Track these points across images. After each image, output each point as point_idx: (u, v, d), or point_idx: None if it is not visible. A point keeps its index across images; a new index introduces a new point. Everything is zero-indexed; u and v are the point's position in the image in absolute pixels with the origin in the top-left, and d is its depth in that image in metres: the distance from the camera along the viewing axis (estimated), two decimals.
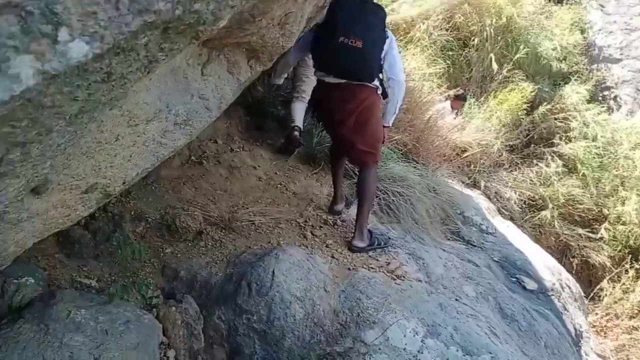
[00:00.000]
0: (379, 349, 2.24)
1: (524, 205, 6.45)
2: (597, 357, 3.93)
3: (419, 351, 2.28)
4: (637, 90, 8.65)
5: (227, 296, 2.43)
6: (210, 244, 2.80)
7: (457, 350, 2.31)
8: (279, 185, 3.59)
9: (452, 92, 6.94)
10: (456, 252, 3.71)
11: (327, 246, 2.94)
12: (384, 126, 3.11)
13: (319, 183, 3.79)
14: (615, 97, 8.72)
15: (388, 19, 3.11)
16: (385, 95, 2.97)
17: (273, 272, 2.43)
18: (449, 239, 4.03)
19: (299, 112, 4.04)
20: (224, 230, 2.90)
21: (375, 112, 2.99)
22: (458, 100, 6.93)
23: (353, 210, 3.44)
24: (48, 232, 1.71)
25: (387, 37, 2.82)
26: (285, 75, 3.55)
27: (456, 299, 2.80)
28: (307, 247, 2.88)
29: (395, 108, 3.08)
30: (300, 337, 2.30)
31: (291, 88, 4.32)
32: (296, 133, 3.94)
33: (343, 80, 2.82)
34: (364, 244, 3.01)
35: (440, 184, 4.66)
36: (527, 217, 6.19)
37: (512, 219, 5.99)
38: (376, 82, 2.87)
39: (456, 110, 6.93)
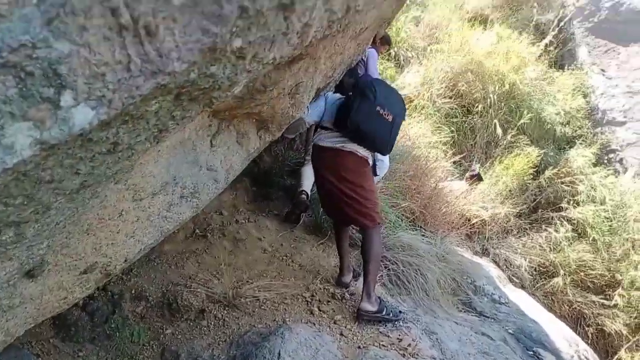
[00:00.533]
0: None
1: (534, 272, 6.29)
2: None
3: None
4: None
5: None
6: (212, 323, 2.68)
7: None
8: (284, 257, 3.51)
9: (467, 174, 6.84)
10: (470, 324, 3.56)
11: (335, 322, 2.82)
12: None
13: (326, 254, 3.71)
14: (621, 159, 8.73)
15: None
16: (375, 172, 3.19)
17: (279, 354, 2.30)
18: (461, 311, 3.88)
19: (308, 175, 4.00)
20: (227, 308, 2.79)
21: (370, 184, 3.14)
22: (473, 178, 6.80)
23: (361, 282, 3.35)
24: (42, 317, 1.62)
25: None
26: (299, 132, 3.63)
27: None
28: (314, 324, 2.76)
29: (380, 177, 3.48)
30: None
31: (303, 152, 4.35)
32: (303, 197, 3.90)
33: (349, 147, 2.98)
34: (373, 308, 2.94)
35: (450, 252, 4.56)
36: (539, 284, 6.02)
37: (523, 287, 5.82)
38: (370, 159, 3.10)
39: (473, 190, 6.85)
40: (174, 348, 2.48)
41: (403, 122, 3.21)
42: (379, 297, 3.08)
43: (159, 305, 2.70)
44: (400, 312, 3.11)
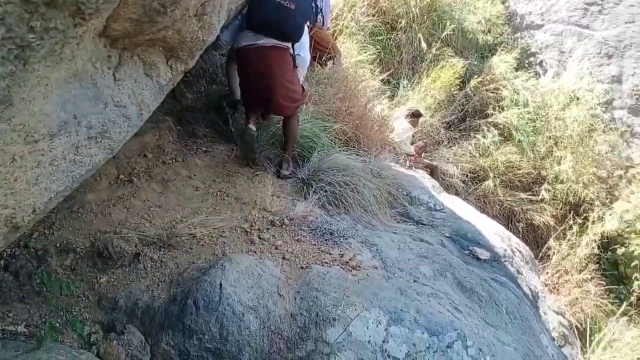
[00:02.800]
0: (343, 346, 2.14)
1: (466, 179, 6.58)
2: (554, 314, 4.02)
3: (384, 341, 2.20)
4: (560, 53, 8.99)
5: (173, 319, 2.25)
6: (149, 265, 2.59)
7: (423, 333, 2.26)
8: (218, 193, 3.41)
9: (406, 111, 6.66)
10: (408, 233, 3.68)
11: (276, 248, 2.81)
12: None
13: (262, 184, 3.64)
14: (541, 62, 9.03)
15: None
16: (295, 63, 3.69)
17: (220, 284, 2.27)
18: (399, 222, 3.99)
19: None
20: (163, 249, 2.70)
21: (293, 71, 3.70)
22: (413, 116, 6.62)
23: (300, 207, 3.34)
24: None
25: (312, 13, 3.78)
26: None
27: (414, 281, 2.75)
28: (255, 252, 2.74)
29: (301, 78, 3.92)
30: (258, 349, 2.16)
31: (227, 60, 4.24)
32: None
33: (269, 41, 3.47)
34: (289, 171, 3.83)
35: (384, 168, 4.62)
36: (471, 189, 6.31)
37: (457, 194, 6.08)
38: (291, 49, 3.61)
39: (414, 127, 6.69)
40: (111, 295, 2.38)
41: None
42: (295, 161, 4.00)
43: (88, 255, 2.57)
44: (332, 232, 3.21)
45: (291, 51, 3.64)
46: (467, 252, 3.85)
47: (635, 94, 8.36)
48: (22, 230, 1.79)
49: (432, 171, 6.28)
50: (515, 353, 2.49)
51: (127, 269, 2.55)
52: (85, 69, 1.72)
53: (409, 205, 4.32)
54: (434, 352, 2.21)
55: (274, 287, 2.36)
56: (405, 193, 4.51)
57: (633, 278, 5.15)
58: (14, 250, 2.44)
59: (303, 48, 3.74)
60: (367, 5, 7.63)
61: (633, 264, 5.61)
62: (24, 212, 1.61)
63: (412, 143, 6.45)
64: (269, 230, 3.01)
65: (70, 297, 2.32)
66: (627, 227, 6.12)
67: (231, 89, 4.18)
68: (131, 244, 2.64)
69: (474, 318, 2.60)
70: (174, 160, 3.65)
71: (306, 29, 3.79)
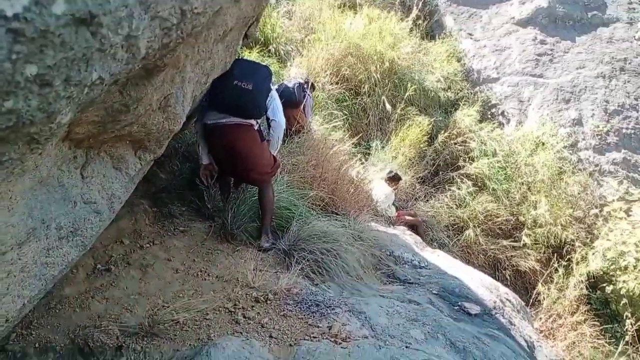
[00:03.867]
0: None
1: (448, 231, 6.61)
2: None
3: None
4: (520, 102, 9.42)
5: None
6: (132, 357, 2.48)
7: None
8: (199, 273, 3.34)
9: (386, 176, 6.77)
10: (396, 295, 3.64)
11: (262, 326, 2.73)
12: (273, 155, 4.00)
13: (243, 259, 3.59)
14: (503, 112, 9.41)
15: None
16: (262, 137, 3.87)
17: None
18: (385, 283, 3.96)
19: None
20: (146, 338, 2.59)
21: (260, 145, 3.83)
22: (394, 181, 6.75)
23: (283, 280, 3.29)
24: None
25: (271, 90, 3.87)
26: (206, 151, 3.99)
27: (406, 347, 2.68)
28: (241, 332, 2.66)
29: (278, 143, 4.05)
30: None
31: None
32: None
33: (232, 120, 3.64)
34: (269, 243, 3.85)
35: (364, 230, 4.64)
36: (454, 241, 6.33)
37: (441, 246, 6.10)
38: (255, 124, 3.77)
39: (395, 190, 6.79)
40: None
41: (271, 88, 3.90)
42: (274, 232, 4.04)
43: (69, 353, 2.44)
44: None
45: (256, 126, 3.80)
46: (457, 307, 3.80)
47: (597, 134, 8.72)
48: None
49: (417, 227, 6.33)
50: None
51: None
52: (51, 174, 1.70)
53: (394, 265, 4.31)
54: None
55: None
56: (388, 253, 4.51)
57: (624, 317, 5.13)
58: None
59: (276, 112, 3.90)
60: (330, 74, 7.94)
61: (622, 302, 5.61)
62: None
63: (395, 206, 6.53)
64: (254, 308, 2.93)
65: None
66: (612, 264, 6.17)
67: (200, 156, 4.18)
68: (112, 336, 2.54)
69: None
70: (151, 244, 3.58)
71: (276, 96, 3.99)
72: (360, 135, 7.62)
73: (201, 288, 3.16)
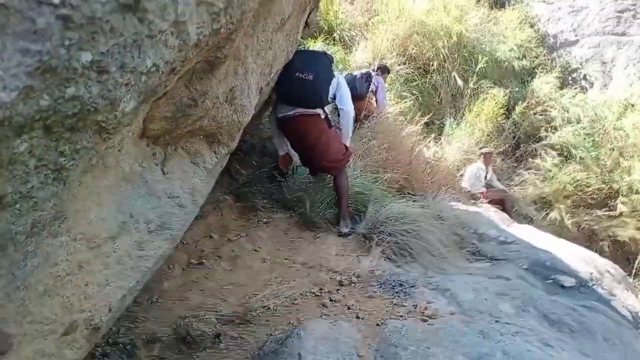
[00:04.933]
0: None
1: (535, 205, 6.33)
2: None
3: None
4: (602, 64, 8.79)
5: None
6: (231, 343, 2.64)
7: None
8: (285, 261, 3.48)
9: (479, 151, 6.74)
10: (483, 272, 3.56)
11: (349, 308, 2.79)
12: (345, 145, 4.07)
13: (325, 245, 3.69)
14: (585, 76, 8.83)
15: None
16: (330, 124, 3.97)
17: (299, 355, 2.27)
18: (471, 262, 3.88)
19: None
20: (240, 325, 2.75)
21: (328, 133, 3.93)
22: (488, 156, 6.63)
23: (365, 262, 3.35)
24: None
25: (334, 77, 3.90)
26: (284, 144, 4.23)
27: (496, 321, 2.63)
28: (329, 315, 2.74)
29: (348, 131, 4.09)
30: None
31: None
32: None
33: (299, 110, 3.76)
34: (348, 228, 3.89)
35: (445, 209, 4.57)
36: (543, 215, 6.05)
37: (529, 222, 5.86)
38: (322, 113, 3.87)
39: (491, 167, 6.70)
40: None
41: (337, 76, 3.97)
42: (352, 217, 4.06)
43: (173, 343, 2.66)
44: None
45: (322, 115, 3.90)
46: (550, 281, 3.65)
47: None
48: (103, 331, 1.86)
49: (504, 203, 6.14)
50: None
51: (209, 351, 2.61)
52: (134, 171, 1.82)
53: (478, 243, 4.20)
54: None
55: (352, 349, 2.34)
56: (472, 231, 4.41)
57: None
58: (104, 348, 2.57)
59: (344, 101, 3.94)
60: (397, 55, 7.83)
61: None
62: (100, 313, 1.68)
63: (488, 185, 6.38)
64: (339, 291, 3.01)
65: None
66: None
67: (277, 148, 4.39)
68: (210, 325, 2.72)
69: (567, 351, 2.44)
70: (238, 236, 3.78)
71: (344, 83, 4.02)
72: (433, 113, 7.46)
73: (287, 275, 3.29)
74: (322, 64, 3.81)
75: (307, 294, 3.03)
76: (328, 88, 3.83)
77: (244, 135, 3.25)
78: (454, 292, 2.96)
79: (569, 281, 3.63)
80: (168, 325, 2.80)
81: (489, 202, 5.99)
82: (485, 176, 6.39)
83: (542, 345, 2.43)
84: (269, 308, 2.88)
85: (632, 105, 7.42)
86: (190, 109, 1.86)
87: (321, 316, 2.73)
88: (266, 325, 2.76)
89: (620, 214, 6.10)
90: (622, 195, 6.27)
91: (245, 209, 4.25)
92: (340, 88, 3.95)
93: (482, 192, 6.24)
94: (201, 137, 2.27)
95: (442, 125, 7.56)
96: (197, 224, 3.66)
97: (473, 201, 5.79)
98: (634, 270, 5.26)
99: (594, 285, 3.69)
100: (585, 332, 2.76)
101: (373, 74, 6.24)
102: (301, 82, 3.62)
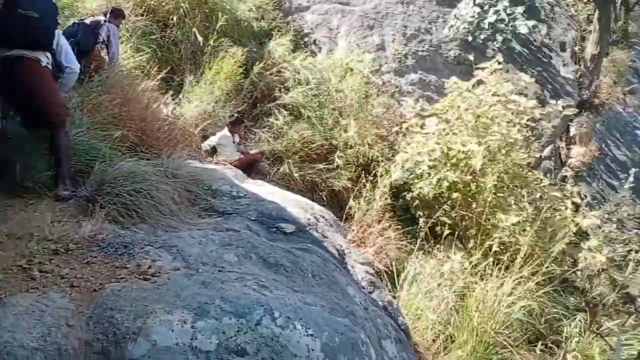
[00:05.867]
0: (149, 358, 2.06)
1: (269, 162, 6.83)
2: (361, 266, 4.43)
3: (192, 339, 2.18)
4: (329, 30, 9.77)
5: None
6: None
7: (230, 319, 2.28)
8: None
9: (227, 119, 6.85)
10: (213, 226, 3.68)
11: (62, 277, 2.55)
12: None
13: (38, 213, 3.27)
14: (315, 41, 9.69)
15: None
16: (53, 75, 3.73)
17: None
18: (203, 217, 3.97)
19: None
20: None
21: (52, 82, 3.70)
22: (236, 124, 6.79)
23: (87, 227, 3.09)
24: None
25: (59, 23, 3.76)
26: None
27: (219, 271, 2.77)
28: (37, 288, 2.46)
29: (67, 87, 4.05)
30: None
31: None
32: None
33: (19, 52, 3.43)
34: (68, 191, 3.51)
35: (180, 167, 4.53)
36: (275, 170, 6.57)
37: (262, 177, 6.29)
38: (44, 59, 3.59)
39: (238, 134, 6.83)
40: None
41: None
42: (74, 179, 3.65)
43: None
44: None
45: (44, 63, 3.61)
46: (274, 229, 4.00)
47: (397, 58, 9.57)
48: None
49: (255, 163, 6.54)
50: (322, 310, 2.68)
51: None
52: None
53: (212, 199, 4.31)
54: (244, 333, 2.25)
55: (61, 320, 2.16)
56: (206, 187, 4.48)
57: (417, 216, 5.96)
58: None
59: (70, 58, 3.90)
60: (134, 5, 7.30)
61: (415, 203, 6.49)
62: None
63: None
64: (52, 261, 2.72)
65: None
66: (410, 174, 7.03)
67: None
68: None
69: (280, 290, 2.73)
70: None
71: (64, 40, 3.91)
72: (171, 69, 7.27)
73: None
74: (47, 3, 3.59)
75: (12, 268, 2.65)
76: (54, 32, 3.64)
77: None
78: (180, 248, 2.99)
79: (290, 228, 4.04)
80: None
81: (241, 167, 6.29)
82: (234, 142, 6.66)
83: (259, 287, 2.66)
84: None
85: (351, 70, 8.50)
86: None
87: (28, 290, 2.44)
88: None
89: (337, 166, 7.06)
90: (339, 150, 7.23)
91: None
92: (60, 42, 3.83)
93: (240, 159, 6.51)
94: None
95: (181, 82, 7.43)
96: None
97: (210, 159, 5.92)
98: (344, 215, 6.16)
99: (310, 229, 4.19)
100: (298, 271, 3.13)
101: (103, 21, 5.71)
102: (26, 19, 3.36)
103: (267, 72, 7.99)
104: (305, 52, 8.90)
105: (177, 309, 2.29)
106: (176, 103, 6.52)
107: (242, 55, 7.65)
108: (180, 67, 7.61)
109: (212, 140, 6.58)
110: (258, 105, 7.71)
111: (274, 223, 4.07)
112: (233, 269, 2.82)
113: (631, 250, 9.22)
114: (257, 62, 7.89)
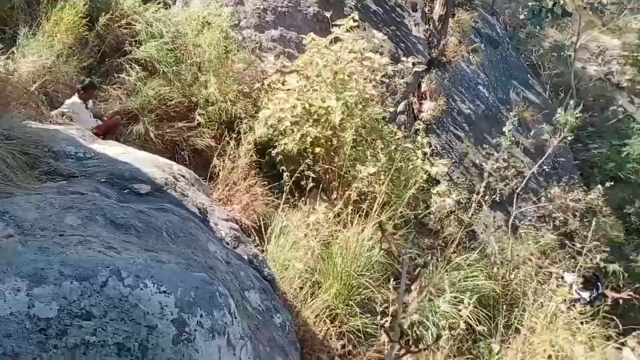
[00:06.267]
0: None
1: (123, 120, 6.41)
2: (225, 222, 4.43)
3: (29, 307, 2.02)
4: None
5: None
6: None
7: (72, 283, 2.16)
8: None
9: (78, 85, 6.17)
10: (55, 190, 3.38)
11: None
12: None
13: None
14: None
15: None
16: None
17: None
18: (44, 182, 3.62)
19: None
20: None
21: None
22: (88, 90, 6.16)
23: None
24: None
25: None
26: None
27: (60, 235, 2.57)
28: None
29: None
30: None
31: None
32: None
33: None
34: None
35: (14, 128, 4.05)
36: (129, 130, 6.19)
37: (116, 138, 5.91)
38: None
39: (91, 100, 6.24)
40: None
41: None
42: None
43: None
44: None
45: None
46: (127, 191, 3.80)
47: (256, 13, 9.39)
48: None
49: (115, 127, 6.12)
50: (176, 267, 2.64)
51: None
52: None
53: (54, 162, 3.95)
54: (88, 296, 2.15)
55: None
56: (47, 149, 4.09)
57: (282, 171, 6.04)
58: None
59: None
60: None
61: (280, 159, 6.57)
62: None
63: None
64: None
65: None
66: (274, 130, 7.06)
67: None
68: None
69: (130, 250, 2.63)
70: None
71: None
72: (1, 18, 6.36)
73: None
74: None
75: None
76: None
77: None
78: (14, 215, 2.70)
79: (144, 188, 3.87)
80: None
81: (102, 133, 5.86)
82: (87, 108, 6.14)
83: (105, 249, 2.53)
84: None
85: (209, 24, 8.15)
86: None
87: None
88: None
89: (199, 124, 6.83)
90: (200, 107, 6.99)
91: None
92: None
93: (97, 127, 6.04)
94: None
95: (15, 34, 6.55)
96: None
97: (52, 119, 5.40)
98: (209, 175, 6.03)
99: (168, 189, 4.06)
100: (151, 231, 3.03)
101: None
102: None
103: (116, 25, 7.33)
104: (158, 4, 8.29)
105: (9, 277, 2.09)
106: (8, 58, 5.75)
107: (84, 5, 6.90)
108: (12, 18, 6.67)
109: (62, 109, 5.99)
110: (107, 60, 7.09)
111: (126, 184, 3.87)
112: (76, 233, 2.64)
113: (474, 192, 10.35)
114: (104, 13, 7.18)
